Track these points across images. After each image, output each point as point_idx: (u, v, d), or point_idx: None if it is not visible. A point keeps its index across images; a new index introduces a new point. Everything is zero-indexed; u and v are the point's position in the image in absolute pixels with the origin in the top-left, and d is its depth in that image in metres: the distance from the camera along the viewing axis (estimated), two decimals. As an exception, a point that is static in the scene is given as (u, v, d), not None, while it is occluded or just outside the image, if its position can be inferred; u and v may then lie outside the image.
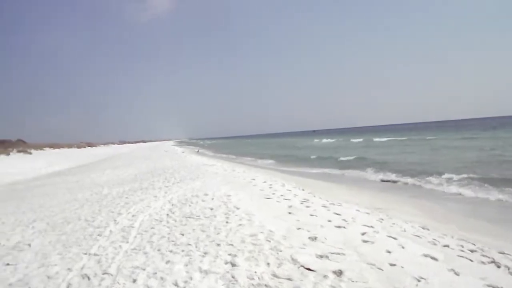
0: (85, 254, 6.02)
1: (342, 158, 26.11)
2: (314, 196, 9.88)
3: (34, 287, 4.84)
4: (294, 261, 4.95)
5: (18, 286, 4.94)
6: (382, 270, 4.57)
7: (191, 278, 4.61)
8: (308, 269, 4.67)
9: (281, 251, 5.38)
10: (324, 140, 64.63)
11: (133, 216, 8.61)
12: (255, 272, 4.65)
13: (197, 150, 55.20)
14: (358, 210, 8.28)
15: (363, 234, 6.20)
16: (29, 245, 6.96)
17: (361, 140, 56.99)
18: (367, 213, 7.95)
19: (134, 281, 4.68)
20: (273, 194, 10.29)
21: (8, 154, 52.77)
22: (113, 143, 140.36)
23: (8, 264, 5.91)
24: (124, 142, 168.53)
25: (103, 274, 5.03)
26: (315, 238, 5.96)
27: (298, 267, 4.73)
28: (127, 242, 6.49)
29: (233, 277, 4.55)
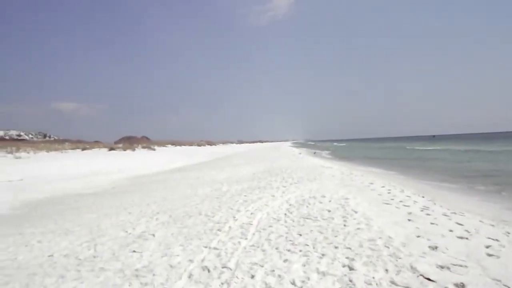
0: (206, 247, 6.33)
1: (470, 168, 24.42)
2: (435, 204, 9.47)
3: (158, 274, 5.19)
4: (413, 269, 4.83)
5: (144, 272, 5.33)
6: (509, 287, 4.32)
7: (308, 279, 4.68)
8: (428, 279, 4.53)
9: (400, 258, 5.27)
10: (453, 147, 60.44)
11: (251, 213, 8.88)
12: (373, 277, 4.61)
13: (313, 152, 55.10)
14: (482, 221, 7.79)
15: (487, 247, 5.84)
16: (153, 235, 7.47)
17: (496, 149, 49.40)
18: (492, 225, 7.46)
19: (252, 277, 4.85)
20: (392, 199, 10.04)
21: (133, 149, 56.61)
22: (232, 142, 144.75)
23: (134, 251, 6.41)
24: (242, 142, 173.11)
25: (223, 267, 5.26)
26: (436, 247, 5.75)
27: (417, 276, 4.61)
28: (246, 238, 6.72)
29: (350, 280, 4.55)
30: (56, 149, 49.21)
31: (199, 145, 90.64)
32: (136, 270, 5.44)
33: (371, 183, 13.49)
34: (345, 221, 7.61)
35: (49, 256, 6.55)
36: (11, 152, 39.83)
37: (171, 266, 5.48)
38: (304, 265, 5.17)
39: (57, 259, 6.34)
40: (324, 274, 4.81)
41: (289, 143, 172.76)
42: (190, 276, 5.04)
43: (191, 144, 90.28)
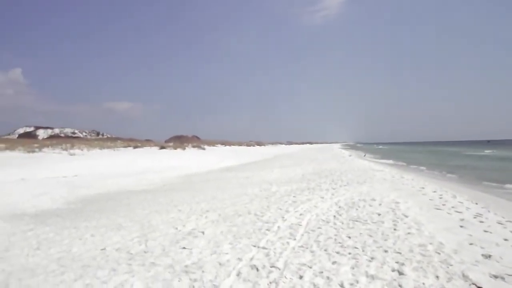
0: (254, 246, 6.40)
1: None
2: (489, 212, 9.18)
3: (207, 271, 5.29)
4: (465, 277, 4.72)
5: (193, 268, 5.44)
6: None
7: (357, 281, 4.66)
8: (480, 288, 4.45)
9: (451, 265, 5.17)
10: (509, 153, 57.58)
11: (300, 214, 8.90)
12: (423, 283, 4.55)
13: (363, 155, 54.42)
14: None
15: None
16: (203, 232, 7.59)
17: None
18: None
19: (301, 277, 4.88)
20: (444, 205, 9.81)
21: (184, 148, 57.45)
22: (281, 143, 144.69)
23: (184, 248, 6.55)
24: (291, 143, 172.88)
25: (271, 267, 5.31)
26: (489, 256, 5.59)
27: (470, 285, 4.50)
28: (295, 239, 6.75)
29: (400, 285, 4.51)
30: (108, 147, 50.55)
31: (248, 145, 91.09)
32: (186, 266, 5.56)
33: (422, 188, 13.24)
34: (395, 225, 7.53)
35: (101, 249, 6.76)
36: (66, 149, 41.23)
37: (220, 264, 5.56)
38: (353, 268, 5.15)
39: (109, 252, 6.54)
40: (373, 277, 4.78)
41: (338, 145, 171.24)
42: (238, 274, 5.11)
43: (240, 144, 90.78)
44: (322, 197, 11.30)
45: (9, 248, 7.09)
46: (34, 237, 7.89)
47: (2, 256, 6.54)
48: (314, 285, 4.62)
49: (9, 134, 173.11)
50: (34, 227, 8.85)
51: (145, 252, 6.46)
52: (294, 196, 11.76)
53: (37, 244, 7.33)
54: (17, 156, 33.04)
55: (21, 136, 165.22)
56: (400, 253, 5.75)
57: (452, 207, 9.54)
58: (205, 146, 66.86)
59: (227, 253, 6.08)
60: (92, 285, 4.98)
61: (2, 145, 37.54)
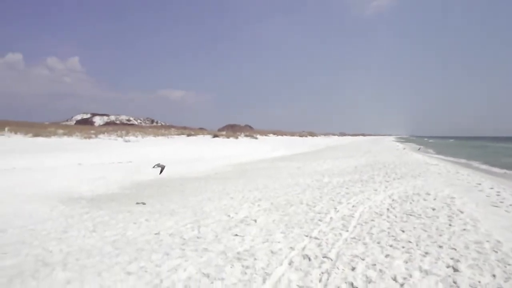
0: (306, 236, 6.41)
1: None
2: (550, 211, 8.82)
3: (259, 258, 5.34)
4: (524, 278, 4.58)
5: (245, 255, 5.51)
6: None
7: (410, 276, 4.59)
8: (540, 290, 4.30)
9: (509, 264, 4.98)
10: None
11: (353, 206, 8.83)
12: (479, 281, 4.42)
13: (418, 148, 53.11)
14: None
15: None
16: (255, 221, 7.67)
17: None
18: None
19: (353, 269, 4.85)
20: (501, 202, 9.45)
21: (236, 137, 57.93)
22: (334, 134, 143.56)
23: (236, 235, 6.64)
24: (344, 134, 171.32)
25: (323, 257, 5.31)
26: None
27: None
28: (347, 230, 6.71)
29: (454, 282, 4.41)
30: (162, 134, 51.68)
31: (301, 136, 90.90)
32: (238, 253, 5.63)
33: (479, 184, 12.81)
34: (450, 220, 7.34)
35: (155, 234, 6.93)
36: (121, 136, 42.39)
37: (272, 252, 5.61)
38: (406, 262, 5.08)
39: (163, 237, 6.70)
40: (427, 272, 4.69)
41: (392, 138, 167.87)
42: (290, 263, 5.14)
43: (292, 134, 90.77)
44: (375, 190, 11.16)
45: (67, 229, 7.39)
46: (90, 220, 8.19)
47: (61, 237, 6.83)
48: (367, 277, 4.59)
49: (67, 120, 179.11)
50: (90, 210, 9.19)
51: (198, 237, 6.58)
52: (346, 188, 11.68)
53: (93, 226, 7.61)
54: (75, 141, 34.28)
55: (78, 122, 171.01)
56: (455, 249, 5.60)
57: (510, 204, 9.20)
58: (258, 136, 67.25)
59: (279, 242, 6.12)
60: (146, 268, 5.11)
61: (61, 131, 39.04)
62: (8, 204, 9.68)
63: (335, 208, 8.60)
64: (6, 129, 34.56)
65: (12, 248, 6.18)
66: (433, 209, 8.36)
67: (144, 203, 9.91)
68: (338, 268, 4.89)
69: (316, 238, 6.28)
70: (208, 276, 4.75)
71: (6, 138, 32.47)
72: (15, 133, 34.61)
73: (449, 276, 4.59)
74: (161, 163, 13.84)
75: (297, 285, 4.43)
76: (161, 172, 14.24)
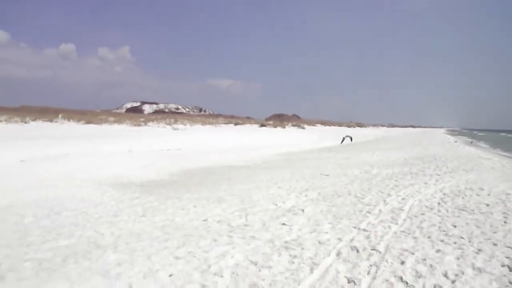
0: (355, 228, 6.33)
1: None
2: None
3: (307, 248, 5.32)
4: None
5: (293, 245, 5.50)
6: None
7: (462, 273, 4.44)
8: None
9: None
10: None
11: (402, 199, 8.65)
12: (538, 283, 4.24)
13: (470, 141, 51.58)
14: None
15: None
16: (302, 210, 7.63)
17: None
18: None
19: (403, 263, 4.75)
20: None
21: (284, 127, 57.90)
22: (382, 125, 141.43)
23: (284, 224, 6.63)
24: (393, 125, 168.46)
25: (372, 249, 5.23)
26: None
27: None
28: (396, 223, 6.58)
29: (510, 282, 4.22)
30: (210, 123, 52.38)
31: (348, 126, 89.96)
32: (286, 242, 5.62)
33: (538, 180, 12.31)
34: (505, 217, 7.03)
35: (203, 220, 7.01)
36: (169, 124, 43.18)
37: (319, 242, 5.57)
38: (458, 258, 4.91)
39: (211, 224, 6.78)
40: (480, 270, 4.52)
41: (443, 130, 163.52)
42: (338, 254, 5.08)
43: (340, 124, 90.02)
44: (426, 183, 10.87)
45: (118, 213, 7.60)
46: (140, 205, 8.37)
47: (112, 221, 7.03)
48: (417, 272, 4.48)
49: (117, 108, 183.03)
50: (140, 195, 9.39)
51: (245, 225, 6.62)
52: (396, 180, 11.46)
53: (142, 211, 7.78)
54: (125, 129, 35.11)
55: (128, 110, 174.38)
56: (511, 247, 5.39)
57: None
58: (305, 126, 66.99)
59: (326, 232, 6.07)
60: (194, 253, 5.18)
61: (112, 119, 40.20)
62: (63, 188, 10.01)
63: (384, 201, 8.45)
64: (60, 116, 35.85)
65: (66, 230, 6.41)
66: (487, 205, 8.05)
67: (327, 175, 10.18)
68: (387, 261, 4.80)
69: (364, 230, 6.20)
70: (255, 263, 4.77)
71: (59, 125, 33.69)
72: (68, 120, 35.83)
73: (505, 275, 4.39)
74: (348, 134, 14.05)
75: (345, 277, 4.37)
76: (351, 140, 14.43)
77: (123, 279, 4.32)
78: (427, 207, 7.89)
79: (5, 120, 31.29)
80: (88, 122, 36.29)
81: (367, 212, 7.42)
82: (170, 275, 4.42)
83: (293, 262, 4.82)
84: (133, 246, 5.51)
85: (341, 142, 12.26)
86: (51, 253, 5.25)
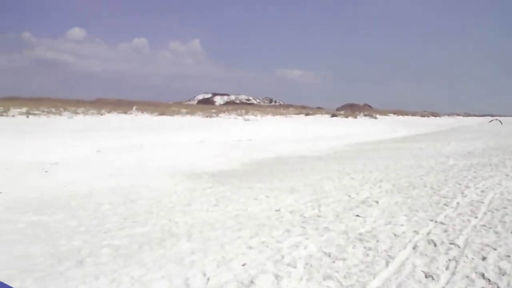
0: (431, 220, 6.10)
1: None
2: None
3: (382, 241, 5.19)
4: None
5: (367, 237, 5.39)
6: None
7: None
8: None
9: None
10: None
11: (482, 191, 8.22)
12: None
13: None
14: None
15: None
16: (377, 202, 7.47)
17: None
18: None
19: (484, 258, 4.50)
20: None
21: (355, 117, 57.13)
22: (458, 115, 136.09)
23: (357, 216, 6.52)
24: (469, 115, 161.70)
25: (450, 244, 5.00)
26: None
27: None
28: (476, 217, 6.25)
29: None
30: (281, 114, 52.48)
31: (422, 116, 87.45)
32: (360, 234, 5.52)
33: None
34: None
35: (276, 210, 7.04)
36: (240, 115, 43.66)
37: (395, 235, 5.42)
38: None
39: (283, 214, 6.78)
40: None
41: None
42: (415, 247, 4.93)
43: (414, 114, 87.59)
44: (507, 175, 10.27)
45: (191, 202, 7.80)
46: (213, 194, 8.54)
47: (185, 210, 7.22)
48: (500, 268, 4.23)
49: (189, 100, 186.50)
50: (212, 185, 9.58)
51: (318, 216, 6.56)
52: (474, 171, 10.92)
53: (215, 201, 7.92)
54: (197, 120, 35.82)
55: (200, 102, 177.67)
56: None
57: None
58: (377, 115, 65.72)
59: (402, 225, 5.91)
60: (267, 243, 5.20)
61: (184, 110, 41.27)
62: (138, 177, 10.39)
63: (462, 193, 8.08)
64: (134, 108, 37.19)
65: (141, 217, 6.66)
66: None
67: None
68: (466, 256, 4.58)
69: (442, 223, 5.95)
70: (329, 255, 4.71)
71: (133, 116, 34.87)
72: (142, 112, 37.07)
73: None
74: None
75: (422, 271, 4.22)
76: (500, 123, 14.27)
77: (197, 267, 4.41)
78: (509, 200, 7.44)
79: (83, 113, 33.03)
80: (161, 114, 37.46)
81: (444, 204, 7.13)
82: (243, 264, 4.45)
83: (367, 255, 4.71)
84: (206, 235, 5.63)
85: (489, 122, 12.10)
86: (127, 240, 5.48)
